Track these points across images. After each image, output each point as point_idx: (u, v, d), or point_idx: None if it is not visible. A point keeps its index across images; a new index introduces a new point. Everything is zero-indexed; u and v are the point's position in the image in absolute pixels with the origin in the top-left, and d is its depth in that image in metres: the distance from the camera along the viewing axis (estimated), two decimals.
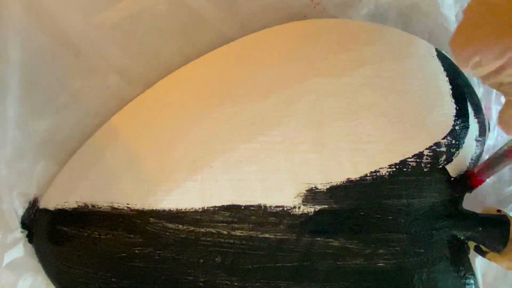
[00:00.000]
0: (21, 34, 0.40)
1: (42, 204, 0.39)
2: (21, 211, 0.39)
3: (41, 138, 0.40)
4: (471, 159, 0.40)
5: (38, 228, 0.38)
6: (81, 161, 0.39)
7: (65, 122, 0.41)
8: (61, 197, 0.38)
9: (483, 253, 0.41)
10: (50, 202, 0.38)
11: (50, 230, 0.38)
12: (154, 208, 0.37)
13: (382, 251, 0.38)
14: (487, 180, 0.40)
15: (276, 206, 0.37)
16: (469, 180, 0.38)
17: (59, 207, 0.38)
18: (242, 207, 0.37)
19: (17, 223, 0.39)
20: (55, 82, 0.41)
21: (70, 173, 0.39)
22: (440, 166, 0.38)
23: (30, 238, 0.39)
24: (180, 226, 0.37)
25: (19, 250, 0.39)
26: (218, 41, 0.42)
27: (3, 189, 0.38)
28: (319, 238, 0.37)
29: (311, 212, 0.37)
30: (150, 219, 0.37)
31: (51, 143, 0.41)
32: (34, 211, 0.39)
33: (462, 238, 0.39)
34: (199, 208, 0.37)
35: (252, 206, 0.37)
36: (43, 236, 0.38)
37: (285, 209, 0.37)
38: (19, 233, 0.39)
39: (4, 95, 0.39)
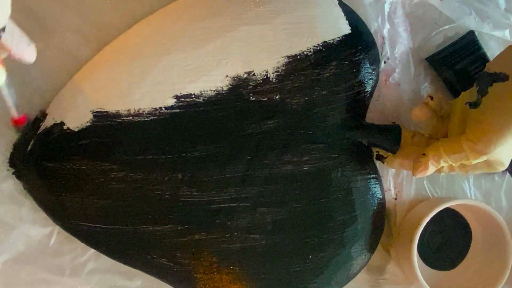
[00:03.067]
0: None
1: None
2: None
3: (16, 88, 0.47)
4: (367, 86, 0.51)
5: (25, 167, 0.46)
6: (61, 105, 0.47)
7: (35, 79, 0.48)
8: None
9: (382, 159, 0.52)
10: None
11: (37, 166, 0.46)
12: None
13: (306, 158, 0.48)
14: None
15: None
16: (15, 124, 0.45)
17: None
18: None
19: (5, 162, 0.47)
20: None
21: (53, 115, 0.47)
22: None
23: (18, 175, 0.47)
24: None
25: (9, 185, 0.47)
26: (156, 4, 0.49)
27: None
28: (258, 153, 0.48)
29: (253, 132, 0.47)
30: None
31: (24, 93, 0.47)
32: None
33: (366, 144, 0.51)
34: None
35: None
36: (31, 172, 0.46)
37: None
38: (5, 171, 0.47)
39: None
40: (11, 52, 0.37)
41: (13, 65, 0.46)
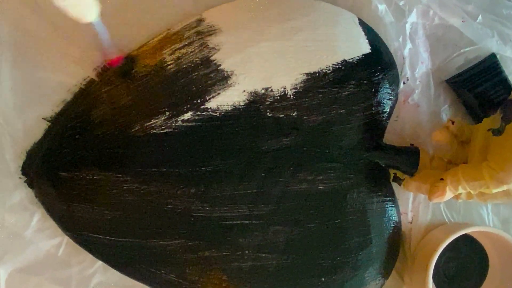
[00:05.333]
0: (10, 15, 0.47)
1: None
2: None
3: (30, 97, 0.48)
4: (386, 107, 0.50)
5: (37, 176, 0.46)
6: None
7: (50, 83, 0.48)
8: None
9: (399, 181, 0.51)
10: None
11: (49, 175, 0.45)
12: None
13: (321, 177, 0.48)
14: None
15: None
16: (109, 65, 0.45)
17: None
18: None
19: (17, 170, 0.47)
20: (39, 53, 0.48)
21: None
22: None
23: (30, 183, 0.46)
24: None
25: (21, 194, 0.47)
26: (177, 16, 0.49)
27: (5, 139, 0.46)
28: (273, 170, 0.47)
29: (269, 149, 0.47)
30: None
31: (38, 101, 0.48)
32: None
33: (383, 165, 0.50)
34: None
35: None
36: (44, 181, 0.45)
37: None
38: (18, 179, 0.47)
39: None
40: None
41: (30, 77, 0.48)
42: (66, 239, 0.48)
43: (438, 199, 0.45)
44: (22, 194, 0.47)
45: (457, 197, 0.46)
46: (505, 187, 0.42)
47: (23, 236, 0.47)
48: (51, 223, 0.47)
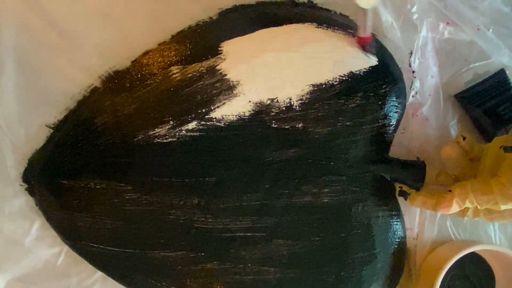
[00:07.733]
0: (15, 20, 0.46)
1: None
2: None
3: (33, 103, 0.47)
4: (392, 120, 0.49)
5: (39, 183, 0.45)
6: None
7: (54, 90, 0.47)
8: None
9: (405, 196, 0.50)
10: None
11: (51, 183, 0.45)
12: None
13: (326, 190, 0.47)
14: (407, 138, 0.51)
15: None
16: (360, 42, 0.47)
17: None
18: None
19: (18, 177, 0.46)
20: (44, 59, 0.47)
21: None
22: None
23: (31, 191, 0.46)
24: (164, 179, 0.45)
25: (21, 201, 0.46)
26: (183, 22, 0.49)
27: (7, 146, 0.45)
28: (277, 182, 0.46)
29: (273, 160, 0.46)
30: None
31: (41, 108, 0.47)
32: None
33: (388, 179, 0.49)
34: None
35: None
36: (44, 189, 0.45)
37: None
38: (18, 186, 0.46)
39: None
40: None
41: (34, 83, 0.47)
42: (65, 248, 0.47)
43: (444, 210, 0.44)
44: (22, 201, 0.46)
45: (463, 213, 0.45)
46: None
47: (22, 245, 0.46)
48: (51, 232, 0.46)
